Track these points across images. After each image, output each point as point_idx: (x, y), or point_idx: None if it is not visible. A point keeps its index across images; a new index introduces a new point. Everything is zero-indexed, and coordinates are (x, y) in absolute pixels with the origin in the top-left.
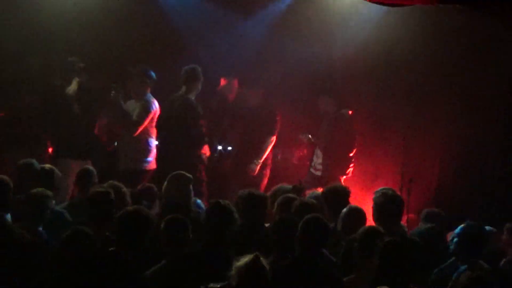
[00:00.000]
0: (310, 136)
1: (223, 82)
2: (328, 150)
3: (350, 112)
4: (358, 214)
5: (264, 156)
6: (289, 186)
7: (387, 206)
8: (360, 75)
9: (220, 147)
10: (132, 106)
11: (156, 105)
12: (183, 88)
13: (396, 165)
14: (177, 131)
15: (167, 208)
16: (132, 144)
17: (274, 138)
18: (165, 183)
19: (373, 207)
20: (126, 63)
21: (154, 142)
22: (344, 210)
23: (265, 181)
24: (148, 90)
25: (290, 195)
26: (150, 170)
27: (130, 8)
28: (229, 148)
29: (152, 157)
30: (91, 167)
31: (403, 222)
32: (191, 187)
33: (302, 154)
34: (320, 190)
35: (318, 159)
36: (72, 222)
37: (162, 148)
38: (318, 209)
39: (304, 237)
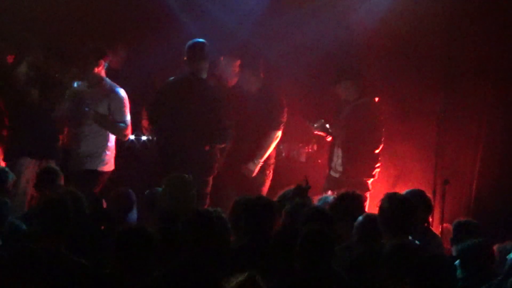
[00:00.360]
0: (327, 125)
1: (222, 62)
2: (348, 146)
3: (377, 99)
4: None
5: (266, 155)
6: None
7: (395, 213)
8: (383, 54)
9: None
10: (80, 90)
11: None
12: (193, 68)
13: (427, 164)
14: (194, 124)
15: (163, 219)
16: (88, 140)
17: (279, 133)
18: (162, 187)
19: (377, 215)
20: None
21: (113, 139)
22: (360, 219)
23: (267, 184)
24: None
25: (301, 200)
26: (107, 172)
27: None
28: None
29: (111, 157)
30: (54, 166)
31: (437, 232)
32: (194, 193)
33: (312, 151)
34: (330, 193)
35: (339, 159)
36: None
37: (167, 145)
38: (331, 217)
39: (302, 253)
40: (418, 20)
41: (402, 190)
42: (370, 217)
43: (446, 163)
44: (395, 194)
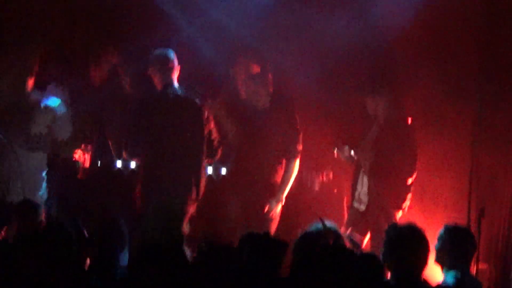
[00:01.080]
0: (351, 150)
1: (255, 68)
2: (376, 172)
3: (410, 119)
4: None
5: (288, 189)
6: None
7: (401, 243)
8: (412, 59)
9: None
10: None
11: None
12: (167, 80)
13: (460, 189)
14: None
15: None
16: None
17: (298, 162)
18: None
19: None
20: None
21: None
22: None
23: (276, 221)
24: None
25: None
26: None
27: None
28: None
29: None
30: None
31: (473, 272)
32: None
33: (327, 179)
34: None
35: (364, 187)
36: None
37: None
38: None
39: None
40: (453, 21)
41: (434, 223)
42: None
43: (483, 189)
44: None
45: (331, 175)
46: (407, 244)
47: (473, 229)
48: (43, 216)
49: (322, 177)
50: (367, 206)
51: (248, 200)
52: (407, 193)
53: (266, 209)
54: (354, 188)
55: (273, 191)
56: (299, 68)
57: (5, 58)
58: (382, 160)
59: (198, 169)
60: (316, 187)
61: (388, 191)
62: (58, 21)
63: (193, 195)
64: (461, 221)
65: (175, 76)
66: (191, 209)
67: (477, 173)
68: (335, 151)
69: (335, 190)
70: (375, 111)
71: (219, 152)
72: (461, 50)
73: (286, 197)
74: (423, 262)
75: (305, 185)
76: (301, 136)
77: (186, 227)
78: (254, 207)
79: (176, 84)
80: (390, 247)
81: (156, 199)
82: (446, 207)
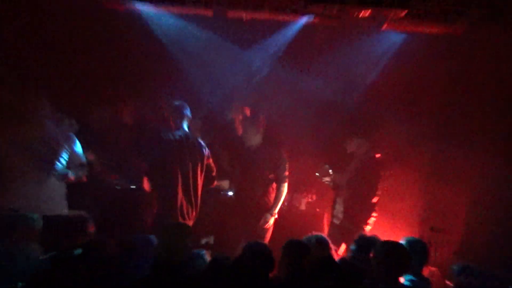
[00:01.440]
0: (330, 170)
1: (247, 111)
2: (350, 197)
3: (378, 155)
4: None
5: (279, 206)
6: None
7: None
8: (378, 107)
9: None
10: None
11: None
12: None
13: (417, 211)
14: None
15: (157, 268)
16: None
17: (286, 185)
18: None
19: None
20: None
21: None
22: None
23: (270, 230)
24: None
25: (302, 243)
26: None
27: (128, 37)
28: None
29: None
30: (84, 215)
31: (425, 274)
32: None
33: (312, 200)
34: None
35: (341, 207)
36: None
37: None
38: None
39: None
40: (411, 77)
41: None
42: None
43: (434, 211)
44: (387, 241)
45: (314, 197)
46: (395, 258)
47: (425, 240)
48: (92, 229)
49: (308, 199)
50: (341, 222)
51: (247, 216)
52: (372, 212)
53: (262, 221)
54: (333, 207)
55: (267, 208)
56: (290, 114)
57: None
58: (355, 187)
59: (198, 194)
60: (303, 207)
61: (358, 211)
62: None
63: (195, 214)
64: (416, 234)
65: (185, 123)
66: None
67: (430, 199)
68: (317, 175)
69: (318, 209)
70: (354, 150)
71: (215, 181)
72: (423, 102)
73: (279, 214)
74: (406, 270)
75: (295, 205)
76: (287, 165)
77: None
78: (252, 221)
79: (186, 128)
80: (381, 260)
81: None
82: (405, 224)
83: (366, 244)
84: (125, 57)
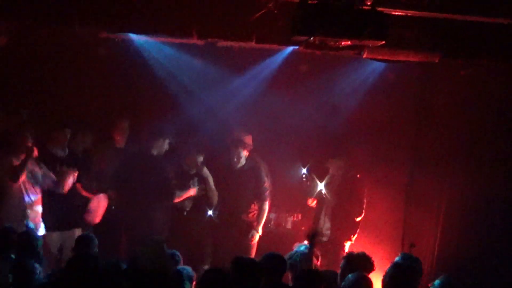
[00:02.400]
0: (324, 191)
1: (248, 140)
2: (336, 214)
3: (358, 175)
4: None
5: (262, 224)
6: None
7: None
8: (360, 133)
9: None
10: None
11: None
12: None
13: (397, 230)
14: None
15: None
16: None
17: (268, 203)
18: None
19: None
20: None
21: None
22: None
23: (255, 248)
24: None
25: (283, 257)
26: None
27: (119, 65)
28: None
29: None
30: (90, 234)
31: None
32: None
33: (297, 219)
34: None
35: (325, 224)
36: None
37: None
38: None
39: None
40: (391, 110)
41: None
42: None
43: (412, 230)
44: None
45: (299, 217)
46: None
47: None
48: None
49: (294, 218)
50: (328, 238)
51: (231, 235)
52: (356, 229)
53: (249, 237)
54: (317, 223)
55: (250, 226)
56: (276, 138)
57: None
58: (340, 205)
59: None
60: (289, 226)
61: (343, 228)
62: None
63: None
64: (396, 250)
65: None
66: None
67: (408, 220)
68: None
69: (303, 228)
70: (336, 171)
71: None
72: (398, 128)
73: (266, 231)
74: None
75: (281, 223)
76: (268, 185)
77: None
78: (237, 240)
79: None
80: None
81: None
82: (385, 241)
83: (356, 260)
84: (118, 85)
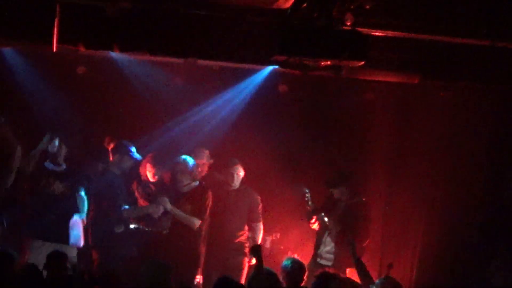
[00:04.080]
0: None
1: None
2: (342, 240)
3: (364, 199)
4: None
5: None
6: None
7: None
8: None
9: None
10: None
11: None
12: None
13: (374, 249)
14: None
15: None
16: None
17: (261, 224)
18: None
19: None
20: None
21: None
22: None
23: (245, 269)
24: None
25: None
26: None
27: (99, 84)
28: None
29: None
30: (62, 250)
31: None
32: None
33: (275, 238)
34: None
35: (325, 247)
36: None
37: None
38: None
39: None
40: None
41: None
42: None
43: (390, 248)
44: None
45: (278, 236)
46: None
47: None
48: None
49: (273, 237)
50: (333, 263)
51: (223, 256)
52: (362, 254)
53: (250, 259)
54: (317, 246)
55: (242, 247)
56: (264, 160)
57: None
58: (346, 230)
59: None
60: (268, 245)
61: (347, 253)
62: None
63: None
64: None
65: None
66: None
67: (385, 240)
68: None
69: (282, 247)
70: (340, 197)
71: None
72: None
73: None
74: None
75: (261, 242)
76: (261, 207)
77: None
78: (228, 261)
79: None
80: None
81: None
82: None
83: (328, 281)
84: (98, 102)
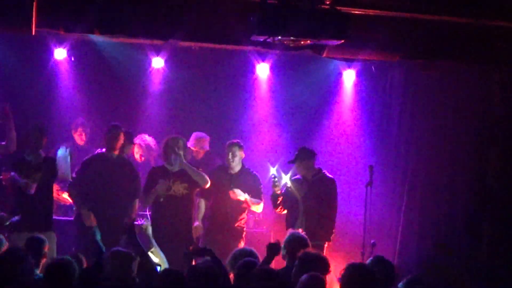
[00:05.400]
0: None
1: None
2: (312, 215)
3: (330, 175)
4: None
5: (252, 204)
6: (249, 249)
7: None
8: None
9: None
10: None
11: None
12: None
13: (357, 227)
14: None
15: None
16: None
17: (262, 204)
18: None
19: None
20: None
21: None
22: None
23: None
24: None
25: (250, 259)
26: None
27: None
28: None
29: None
30: (40, 236)
31: None
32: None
33: (258, 219)
34: None
35: (302, 225)
36: None
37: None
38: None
39: None
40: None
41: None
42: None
43: (374, 228)
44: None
45: (261, 216)
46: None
47: (367, 254)
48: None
49: (255, 218)
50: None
51: (220, 241)
52: (333, 228)
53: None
54: (291, 224)
55: (241, 231)
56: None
57: None
58: (314, 205)
59: None
60: (251, 225)
61: (319, 227)
62: None
63: None
64: (359, 248)
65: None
66: None
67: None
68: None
69: (264, 227)
70: (305, 173)
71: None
72: (361, 129)
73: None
74: None
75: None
76: (261, 187)
77: None
78: (228, 244)
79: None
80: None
81: None
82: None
83: (310, 260)
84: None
